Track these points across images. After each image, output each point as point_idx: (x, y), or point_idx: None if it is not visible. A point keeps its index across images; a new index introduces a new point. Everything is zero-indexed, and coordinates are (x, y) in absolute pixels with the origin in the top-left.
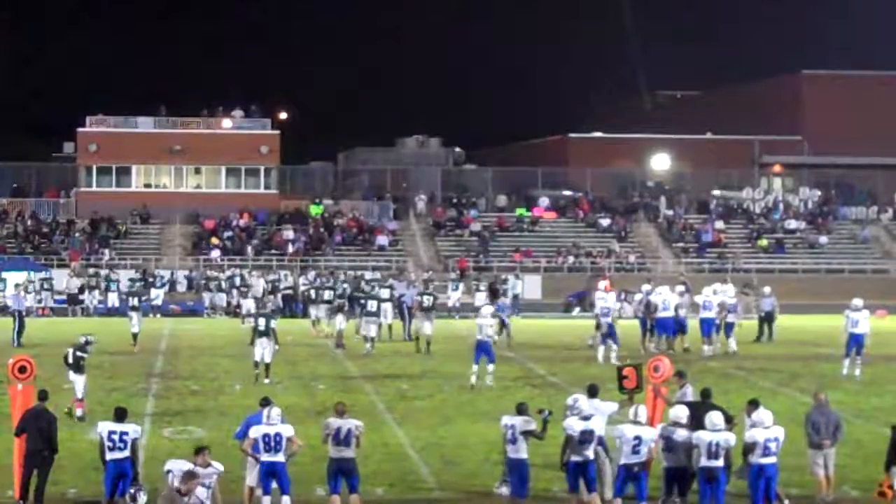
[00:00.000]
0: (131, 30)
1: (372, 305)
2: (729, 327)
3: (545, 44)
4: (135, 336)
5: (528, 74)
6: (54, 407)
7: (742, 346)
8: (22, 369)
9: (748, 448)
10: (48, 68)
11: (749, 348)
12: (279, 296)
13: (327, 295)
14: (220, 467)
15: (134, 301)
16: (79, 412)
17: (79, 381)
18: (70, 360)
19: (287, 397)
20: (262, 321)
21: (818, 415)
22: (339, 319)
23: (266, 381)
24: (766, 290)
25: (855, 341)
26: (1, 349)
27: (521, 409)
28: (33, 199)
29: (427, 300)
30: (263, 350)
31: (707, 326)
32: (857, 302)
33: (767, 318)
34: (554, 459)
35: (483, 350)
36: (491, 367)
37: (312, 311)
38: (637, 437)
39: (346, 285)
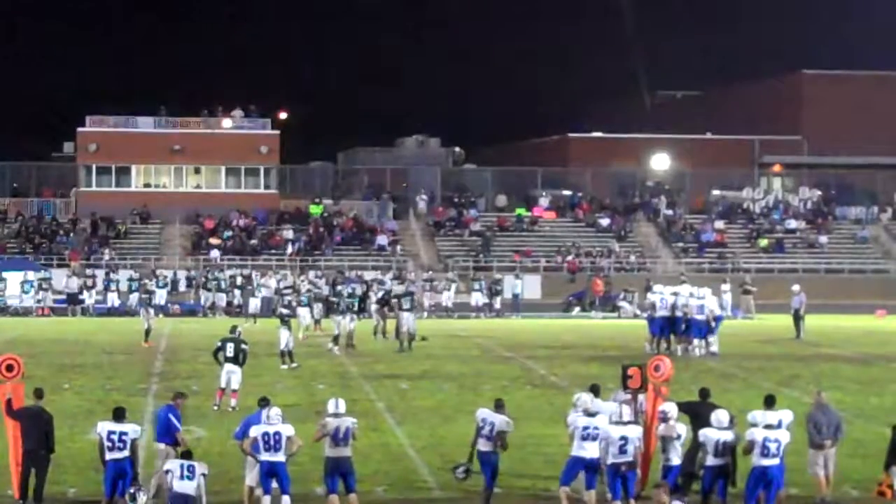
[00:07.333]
0: (131, 30)
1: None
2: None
3: (545, 44)
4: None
5: (528, 74)
6: (52, 407)
7: (744, 346)
8: (9, 367)
9: (747, 448)
10: (49, 68)
11: (750, 347)
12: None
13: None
14: None
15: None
16: (233, 402)
17: (238, 373)
18: (231, 353)
19: (287, 397)
20: (285, 312)
21: (820, 415)
22: (344, 321)
23: (294, 364)
24: (796, 287)
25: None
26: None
27: (500, 405)
28: (33, 199)
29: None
30: (286, 338)
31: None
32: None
33: (796, 316)
34: (554, 459)
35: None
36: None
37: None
38: (623, 437)
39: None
